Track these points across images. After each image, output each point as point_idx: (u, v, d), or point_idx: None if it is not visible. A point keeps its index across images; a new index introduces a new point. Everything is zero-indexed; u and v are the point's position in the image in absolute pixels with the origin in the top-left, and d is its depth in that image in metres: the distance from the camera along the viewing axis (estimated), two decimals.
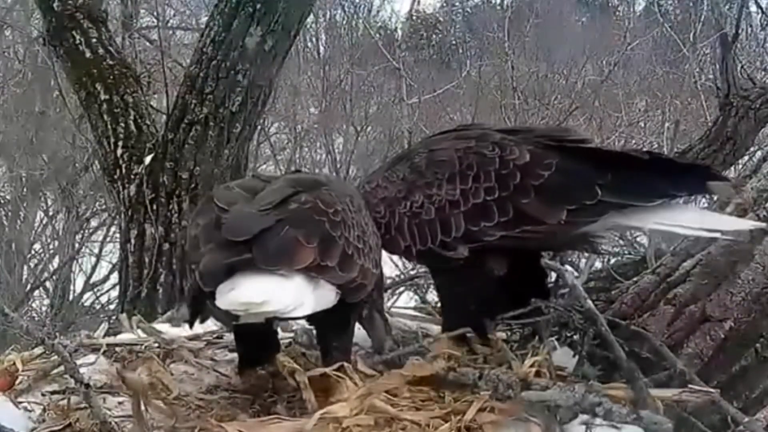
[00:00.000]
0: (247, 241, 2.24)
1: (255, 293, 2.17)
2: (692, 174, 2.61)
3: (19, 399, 2.47)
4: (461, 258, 2.69)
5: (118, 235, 7.54)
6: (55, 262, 11.67)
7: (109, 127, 5.66)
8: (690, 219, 2.57)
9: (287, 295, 2.21)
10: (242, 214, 2.34)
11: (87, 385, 2.33)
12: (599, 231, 2.71)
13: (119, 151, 5.64)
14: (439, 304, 3.13)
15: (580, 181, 2.58)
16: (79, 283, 11.56)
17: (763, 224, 2.54)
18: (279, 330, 2.85)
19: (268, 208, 2.34)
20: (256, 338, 2.56)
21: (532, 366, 2.49)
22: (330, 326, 2.52)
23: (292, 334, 2.90)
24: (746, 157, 6.94)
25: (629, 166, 2.58)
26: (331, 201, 2.43)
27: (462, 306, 2.79)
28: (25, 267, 11.62)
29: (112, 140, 5.65)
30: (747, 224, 2.54)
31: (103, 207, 11.50)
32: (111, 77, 5.67)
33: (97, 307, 11.29)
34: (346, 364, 2.43)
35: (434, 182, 2.70)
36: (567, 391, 2.27)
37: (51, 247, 12.09)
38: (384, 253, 2.73)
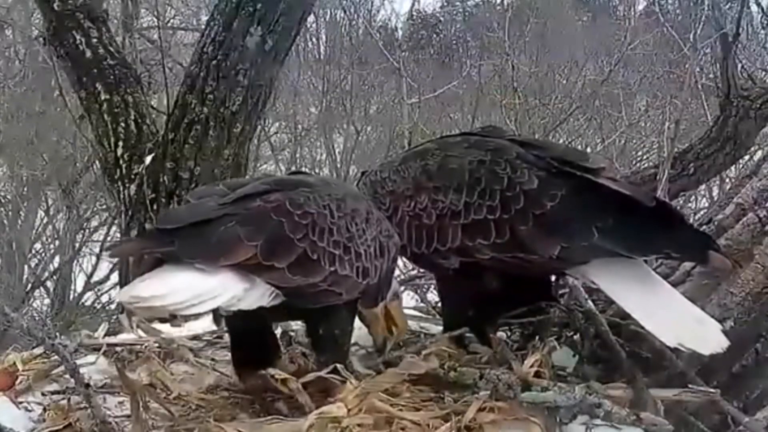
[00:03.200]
0: (178, 231, 2.20)
1: (151, 287, 2.11)
2: (694, 239, 2.56)
3: (20, 399, 2.48)
4: (452, 269, 2.69)
5: (118, 234, 7.53)
6: (56, 261, 11.68)
7: (109, 126, 5.65)
8: (663, 321, 2.48)
9: (189, 291, 2.15)
10: (189, 206, 2.31)
11: (87, 385, 2.33)
12: (581, 276, 2.70)
13: (119, 151, 5.63)
14: (439, 305, 3.13)
15: (579, 220, 2.55)
16: (79, 282, 11.57)
17: (723, 340, 2.43)
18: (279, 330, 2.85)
19: (227, 202, 2.31)
20: (252, 339, 2.54)
21: (532, 366, 2.49)
22: (322, 328, 2.50)
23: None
24: (746, 157, 6.94)
25: (634, 211, 2.52)
26: (303, 203, 2.39)
27: (460, 309, 2.79)
28: (26, 266, 11.62)
29: (113, 140, 5.64)
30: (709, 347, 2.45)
31: (104, 206, 11.51)
32: (111, 77, 5.66)
33: (98, 306, 11.29)
34: (339, 366, 2.42)
35: (441, 188, 2.69)
36: (566, 393, 2.28)
37: (51, 246, 12.09)
38: None
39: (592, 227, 2.52)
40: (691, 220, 3.03)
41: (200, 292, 2.18)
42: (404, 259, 2.94)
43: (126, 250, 2.16)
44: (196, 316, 2.37)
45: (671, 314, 2.50)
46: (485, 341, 2.73)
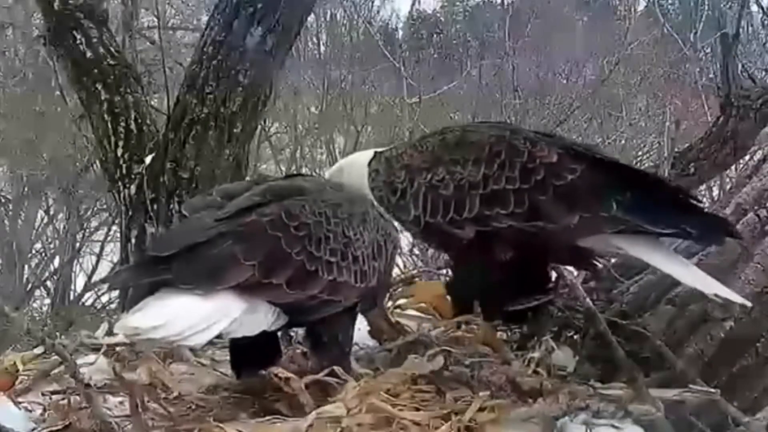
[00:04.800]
0: (174, 256, 2.17)
1: (149, 318, 2.08)
2: (711, 221, 2.63)
3: (20, 399, 2.47)
4: (466, 238, 2.70)
5: (118, 234, 7.54)
6: (56, 261, 11.70)
7: (109, 126, 5.65)
8: (691, 278, 2.56)
9: (188, 320, 2.12)
10: (183, 226, 2.28)
11: (87, 385, 2.33)
12: (604, 249, 2.74)
13: (120, 151, 5.63)
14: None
15: (599, 192, 2.61)
16: (79, 282, 11.58)
17: (748, 303, 2.53)
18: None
19: (223, 218, 2.28)
20: (252, 340, 2.53)
21: (528, 364, 2.50)
22: (324, 333, 2.49)
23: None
24: (746, 157, 6.94)
25: (652, 189, 2.61)
26: (299, 213, 2.37)
27: (471, 281, 2.83)
28: (26, 266, 11.64)
29: (113, 140, 5.64)
30: (737, 299, 2.53)
31: (104, 207, 11.52)
32: (111, 77, 5.66)
33: (98, 306, 11.29)
34: (337, 367, 2.41)
35: (460, 160, 2.73)
36: (552, 403, 2.27)
37: (52, 246, 12.12)
38: None
39: (612, 200, 2.59)
40: None
41: (198, 320, 2.14)
42: (413, 238, 2.95)
43: (124, 280, 2.13)
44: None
45: (699, 273, 2.57)
46: (490, 319, 2.79)
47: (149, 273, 2.19)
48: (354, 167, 2.98)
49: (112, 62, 5.68)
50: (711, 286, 2.52)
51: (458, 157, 2.73)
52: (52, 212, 12.37)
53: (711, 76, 8.52)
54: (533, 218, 2.64)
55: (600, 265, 2.91)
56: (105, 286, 11.25)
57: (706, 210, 2.72)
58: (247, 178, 5.47)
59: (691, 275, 2.57)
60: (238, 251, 2.22)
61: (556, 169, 2.65)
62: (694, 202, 2.65)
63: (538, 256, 2.82)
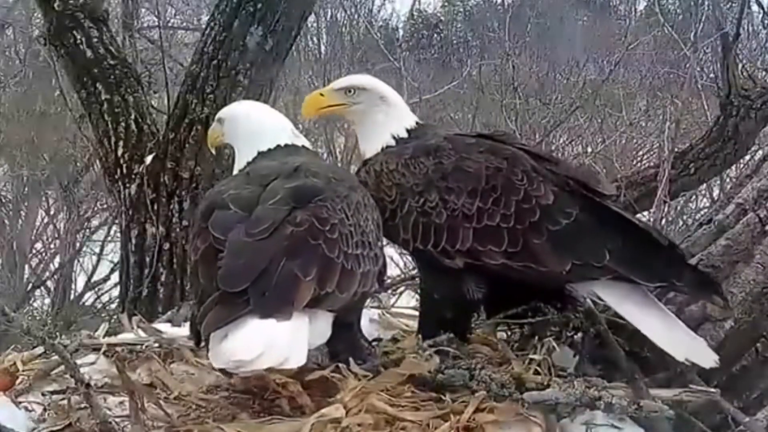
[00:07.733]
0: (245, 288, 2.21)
1: (247, 349, 2.12)
2: (700, 278, 2.64)
3: (20, 399, 2.48)
4: (455, 268, 2.69)
5: (118, 234, 7.54)
6: (56, 261, 11.67)
7: (110, 126, 5.67)
8: (669, 341, 2.56)
9: (282, 346, 2.16)
10: (238, 250, 2.28)
11: (87, 385, 2.33)
12: (581, 293, 2.75)
13: (120, 151, 5.64)
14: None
15: (592, 240, 2.61)
16: (80, 282, 11.57)
17: (717, 363, 2.54)
18: None
19: (264, 237, 2.29)
20: None
21: (529, 364, 2.50)
22: (344, 324, 2.49)
23: None
24: (747, 157, 6.95)
25: (644, 240, 2.62)
26: (327, 216, 2.39)
27: (441, 312, 2.78)
28: (27, 266, 11.63)
29: (113, 140, 5.65)
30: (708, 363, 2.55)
31: (104, 206, 11.51)
32: (112, 77, 5.67)
33: (98, 306, 11.28)
34: (341, 365, 2.43)
35: (455, 189, 2.69)
36: (567, 389, 2.28)
37: (52, 246, 12.09)
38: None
39: (604, 249, 2.60)
40: (691, 221, 3.07)
41: (288, 343, 2.17)
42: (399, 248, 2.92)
43: (215, 322, 2.18)
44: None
45: (673, 331, 2.59)
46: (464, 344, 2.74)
47: (233, 309, 2.20)
48: None
49: (112, 62, 5.70)
50: (683, 351, 2.52)
51: (453, 185, 2.69)
52: (52, 212, 12.35)
53: (711, 76, 8.53)
54: (526, 259, 2.63)
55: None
56: (105, 286, 11.26)
57: (696, 266, 2.72)
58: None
59: (664, 334, 2.56)
60: (296, 269, 2.25)
61: (551, 213, 2.63)
62: (685, 258, 2.68)
63: (522, 292, 2.79)
